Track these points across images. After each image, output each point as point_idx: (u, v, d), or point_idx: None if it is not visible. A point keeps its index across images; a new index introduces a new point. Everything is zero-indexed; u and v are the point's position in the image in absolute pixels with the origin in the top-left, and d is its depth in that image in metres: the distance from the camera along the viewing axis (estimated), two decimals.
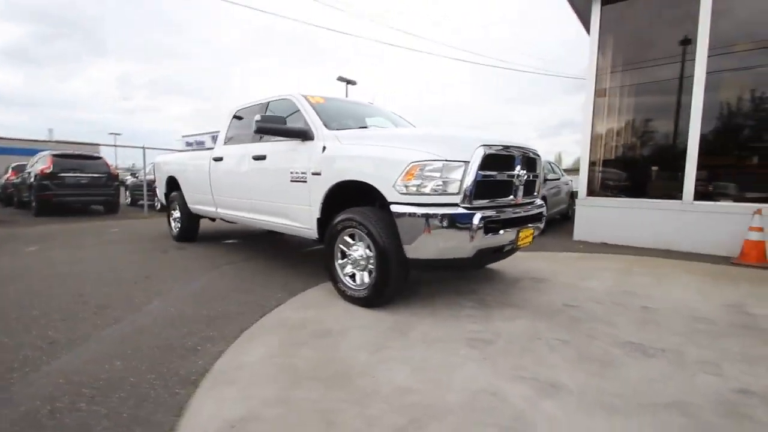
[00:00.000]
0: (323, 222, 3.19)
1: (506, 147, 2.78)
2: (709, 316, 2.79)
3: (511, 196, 2.90)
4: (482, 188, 2.61)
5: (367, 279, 2.87)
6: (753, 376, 1.96)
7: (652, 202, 5.23)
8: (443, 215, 2.47)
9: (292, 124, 3.42)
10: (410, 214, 2.52)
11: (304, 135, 3.29)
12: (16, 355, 2.09)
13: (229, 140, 4.47)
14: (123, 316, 2.70)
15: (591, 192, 5.74)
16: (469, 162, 2.53)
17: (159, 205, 9.99)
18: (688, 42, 5.10)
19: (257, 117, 3.24)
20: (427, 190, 2.53)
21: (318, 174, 3.09)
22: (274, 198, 3.61)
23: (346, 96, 21.15)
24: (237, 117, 4.47)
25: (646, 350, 2.24)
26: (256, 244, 5.62)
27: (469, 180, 2.52)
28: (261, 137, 3.89)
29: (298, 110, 3.52)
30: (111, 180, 8.88)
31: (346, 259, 3.01)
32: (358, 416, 1.61)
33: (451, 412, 1.64)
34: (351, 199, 3.09)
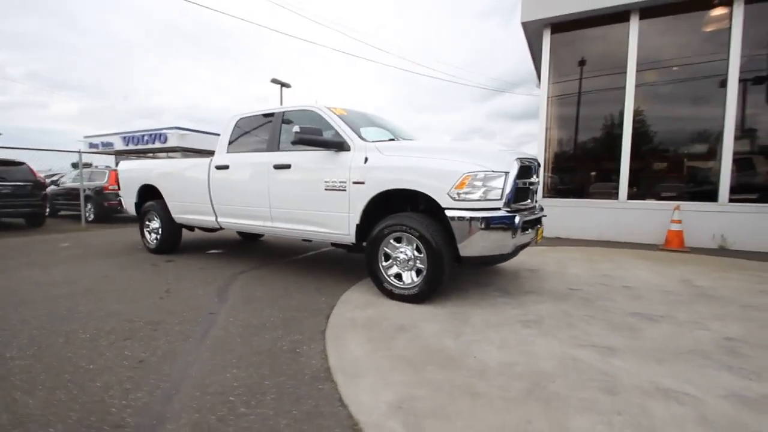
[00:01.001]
0: (361, 228, 3.43)
1: (529, 159, 3.32)
2: (673, 290, 3.63)
3: (529, 200, 3.45)
4: (516, 194, 3.11)
5: (415, 278, 3.18)
6: (728, 327, 2.72)
7: (595, 201, 6.31)
8: (493, 218, 2.90)
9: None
10: (464, 218, 2.91)
11: (340, 146, 3.49)
12: (117, 378, 2.03)
13: (233, 148, 4.40)
14: (189, 330, 2.66)
15: (544, 194, 6.69)
16: (509, 172, 3.00)
17: (92, 216, 9.04)
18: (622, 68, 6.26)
19: (296, 128, 3.36)
20: (475, 196, 2.94)
21: (361, 183, 3.32)
22: (303, 206, 3.72)
23: (281, 99, 20.74)
24: (240, 125, 4.42)
25: (650, 317, 2.91)
26: (243, 253, 5.52)
27: (509, 187, 2.99)
28: (279, 146, 3.97)
29: (325, 121, 3.68)
30: (37, 189, 7.74)
31: (390, 261, 3.29)
32: (491, 386, 1.95)
33: (555, 375, 2.06)
34: (385, 207, 3.38)
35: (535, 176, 3.46)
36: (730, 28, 5.37)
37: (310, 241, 4.30)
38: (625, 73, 5.96)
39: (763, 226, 5.23)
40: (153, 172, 5.22)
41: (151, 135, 24.12)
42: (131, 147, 24.17)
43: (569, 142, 6.99)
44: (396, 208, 3.40)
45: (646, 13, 5.76)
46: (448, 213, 2.95)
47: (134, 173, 5.50)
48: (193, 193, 4.68)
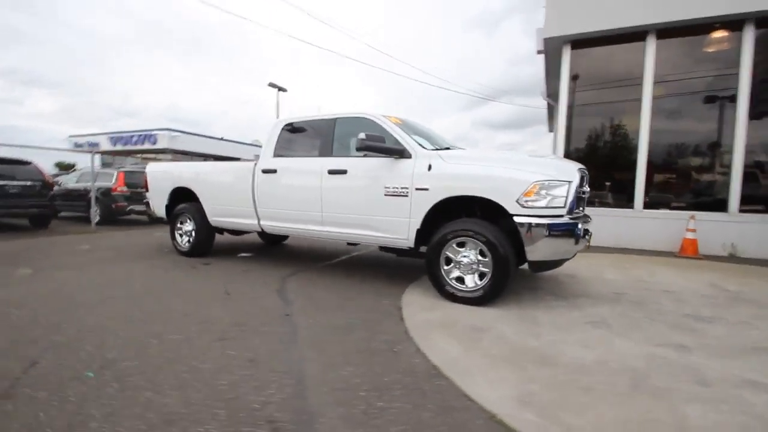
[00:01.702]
0: (421, 233, 3.55)
1: (584, 169, 3.51)
2: (708, 293, 3.87)
3: (581, 208, 3.64)
4: (575, 203, 3.28)
5: (478, 281, 3.31)
6: None
7: (612, 210, 6.61)
8: (559, 224, 3.06)
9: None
10: (533, 224, 3.06)
11: (401, 153, 3.60)
12: (238, 376, 2.06)
13: (279, 152, 4.44)
14: (275, 330, 2.70)
15: None
16: (572, 182, 3.17)
17: (98, 218, 8.83)
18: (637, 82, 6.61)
19: (362, 135, 3.45)
20: (542, 204, 3.10)
21: (425, 189, 3.43)
22: (360, 211, 3.80)
23: (277, 101, 20.68)
24: (287, 130, 4.48)
25: (702, 318, 3.12)
26: (274, 256, 5.53)
27: (571, 196, 3.16)
28: (332, 151, 4.06)
29: (382, 129, 3.78)
30: (45, 189, 7.52)
31: (452, 265, 3.41)
32: (596, 382, 2.08)
33: (647, 370, 2.21)
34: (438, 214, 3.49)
35: (586, 185, 3.65)
36: (740, 49, 5.79)
37: (356, 244, 4.39)
38: (641, 87, 6.32)
39: None
40: (188, 174, 5.19)
41: (139, 136, 23.61)
42: (119, 148, 23.60)
43: (583, 152, 7.27)
44: (448, 215, 3.50)
45: (662, 33, 6.14)
46: (517, 219, 3.10)
47: (166, 175, 5.45)
48: (235, 196, 4.69)
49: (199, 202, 5.06)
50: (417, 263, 5.05)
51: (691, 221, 5.83)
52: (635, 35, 6.26)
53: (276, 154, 4.47)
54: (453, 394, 1.95)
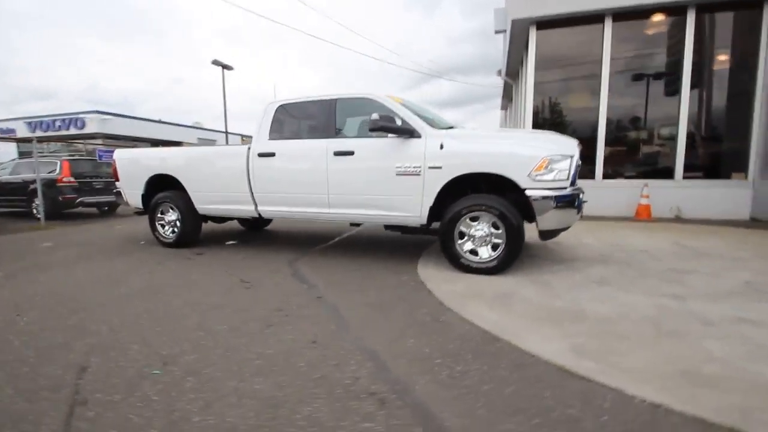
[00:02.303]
0: (433, 210, 3.69)
1: (579, 144, 3.82)
2: (675, 251, 4.44)
3: (576, 181, 3.97)
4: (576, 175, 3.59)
5: (492, 252, 3.53)
6: (740, 274, 3.49)
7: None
8: (565, 195, 3.35)
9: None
10: (543, 197, 3.32)
11: (411, 133, 3.67)
12: (311, 357, 2.10)
13: (275, 135, 4.30)
14: (318, 313, 2.74)
15: None
16: (573, 156, 3.46)
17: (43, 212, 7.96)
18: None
19: (375, 116, 3.47)
20: (549, 177, 3.36)
21: (438, 168, 3.55)
22: (370, 191, 3.83)
23: (223, 80, 19.43)
24: (282, 112, 4.34)
25: (682, 271, 3.60)
26: (261, 241, 5.41)
27: (573, 169, 3.46)
28: (336, 132, 4.03)
29: (387, 109, 3.81)
30: None
31: (465, 239, 3.60)
32: (626, 330, 2.38)
33: (660, 317, 2.56)
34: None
35: (579, 160, 3.97)
36: (684, 31, 6.46)
37: (359, 225, 4.45)
38: (600, 67, 6.87)
39: (708, 198, 6.50)
40: (170, 161, 4.85)
41: (64, 120, 21.11)
42: (39, 134, 20.95)
43: (548, 127, 7.76)
44: (454, 192, 3.66)
45: (618, 17, 6.66)
46: (529, 193, 3.33)
47: (140, 162, 5.04)
48: (227, 182, 4.49)
49: (183, 190, 4.78)
50: (409, 239, 5.21)
51: (645, 189, 6.56)
52: (595, 18, 6.73)
53: (271, 137, 4.32)
54: (517, 353, 2.14)
